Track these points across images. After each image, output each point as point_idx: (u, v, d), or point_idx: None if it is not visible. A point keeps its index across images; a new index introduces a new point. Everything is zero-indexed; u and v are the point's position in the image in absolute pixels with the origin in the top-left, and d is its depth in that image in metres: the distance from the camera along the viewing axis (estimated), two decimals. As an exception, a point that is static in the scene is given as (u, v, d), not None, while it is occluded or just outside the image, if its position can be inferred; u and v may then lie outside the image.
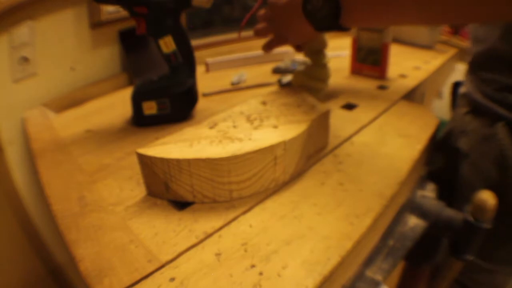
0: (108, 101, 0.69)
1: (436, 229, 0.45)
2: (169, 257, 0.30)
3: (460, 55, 0.99)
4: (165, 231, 0.33)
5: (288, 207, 0.36)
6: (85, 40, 0.75)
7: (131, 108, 0.55)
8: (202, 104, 0.60)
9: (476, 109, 0.54)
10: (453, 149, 0.56)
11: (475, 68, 0.53)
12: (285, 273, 0.28)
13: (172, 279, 0.28)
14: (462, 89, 0.59)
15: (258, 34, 0.54)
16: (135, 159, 0.37)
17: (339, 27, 0.41)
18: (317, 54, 0.55)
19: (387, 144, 0.47)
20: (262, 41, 0.55)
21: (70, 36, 0.72)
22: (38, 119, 0.63)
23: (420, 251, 0.49)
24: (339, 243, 0.31)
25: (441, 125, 0.56)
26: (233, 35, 1.02)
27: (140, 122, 0.55)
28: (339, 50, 0.90)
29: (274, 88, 0.68)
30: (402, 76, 0.74)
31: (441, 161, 0.59)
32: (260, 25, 0.54)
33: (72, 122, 0.60)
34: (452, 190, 0.54)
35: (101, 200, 0.38)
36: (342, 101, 0.61)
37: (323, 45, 0.55)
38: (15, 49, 0.63)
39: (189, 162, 0.34)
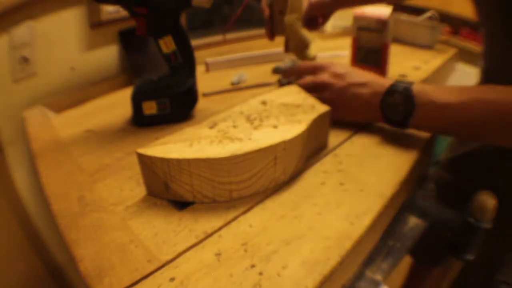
0: (108, 101, 0.69)
1: (436, 229, 0.45)
2: (169, 257, 0.30)
3: (460, 55, 0.99)
4: (165, 231, 0.33)
5: (288, 207, 0.36)
6: (85, 40, 0.75)
7: (131, 108, 0.55)
8: (202, 104, 0.60)
9: None
10: (487, 166, 0.55)
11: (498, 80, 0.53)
12: (285, 273, 0.28)
13: (172, 279, 0.28)
14: None
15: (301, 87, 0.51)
16: (135, 159, 0.37)
17: (405, 125, 0.44)
18: (303, 50, 0.61)
19: (387, 144, 0.47)
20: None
21: (70, 36, 0.72)
22: (38, 119, 0.63)
23: (430, 252, 0.49)
24: (339, 243, 0.31)
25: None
26: (233, 35, 1.02)
27: (140, 122, 0.55)
28: (339, 50, 0.90)
29: (274, 88, 0.68)
30: (402, 76, 0.74)
31: (467, 174, 0.59)
32: (307, 81, 0.51)
33: (72, 122, 0.60)
34: (456, 192, 0.54)
35: (101, 200, 0.38)
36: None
37: (308, 42, 0.61)
38: (15, 49, 0.63)
39: (189, 162, 0.34)
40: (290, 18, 0.59)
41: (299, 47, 0.62)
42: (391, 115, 0.45)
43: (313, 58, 0.62)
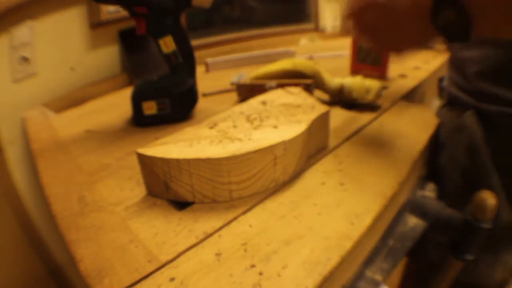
0: (108, 101, 0.69)
1: (436, 229, 0.45)
2: (169, 257, 0.30)
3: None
4: (165, 231, 0.33)
5: (288, 207, 0.36)
6: (85, 40, 0.75)
7: (131, 108, 0.55)
8: (202, 104, 0.60)
9: (450, 102, 0.56)
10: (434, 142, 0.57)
11: (452, 61, 0.56)
12: (285, 273, 0.28)
13: (172, 279, 0.28)
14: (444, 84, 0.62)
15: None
16: (135, 159, 0.37)
17: (468, 38, 0.36)
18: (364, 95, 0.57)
19: (387, 144, 0.47)
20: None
21: (70, 36, 0.72)
22: (38, 119, 0.63)
23: (425, 252, 0.49)
24: (339, 243, 0.31)
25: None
26: (233, 35, 1.02)
27: (140, 122, 0.55)
28: (339, 50, 0.90)
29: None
30: (402, 76, 0.74)
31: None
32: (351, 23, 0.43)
33: (72, 122, 0.60)
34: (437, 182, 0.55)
35: (101, 200, 0.38)
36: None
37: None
38: (15, 49, 0.63)
39: (189, 162, 0.34)
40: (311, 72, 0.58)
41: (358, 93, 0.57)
42: (452, 36, 0.36)
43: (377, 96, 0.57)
